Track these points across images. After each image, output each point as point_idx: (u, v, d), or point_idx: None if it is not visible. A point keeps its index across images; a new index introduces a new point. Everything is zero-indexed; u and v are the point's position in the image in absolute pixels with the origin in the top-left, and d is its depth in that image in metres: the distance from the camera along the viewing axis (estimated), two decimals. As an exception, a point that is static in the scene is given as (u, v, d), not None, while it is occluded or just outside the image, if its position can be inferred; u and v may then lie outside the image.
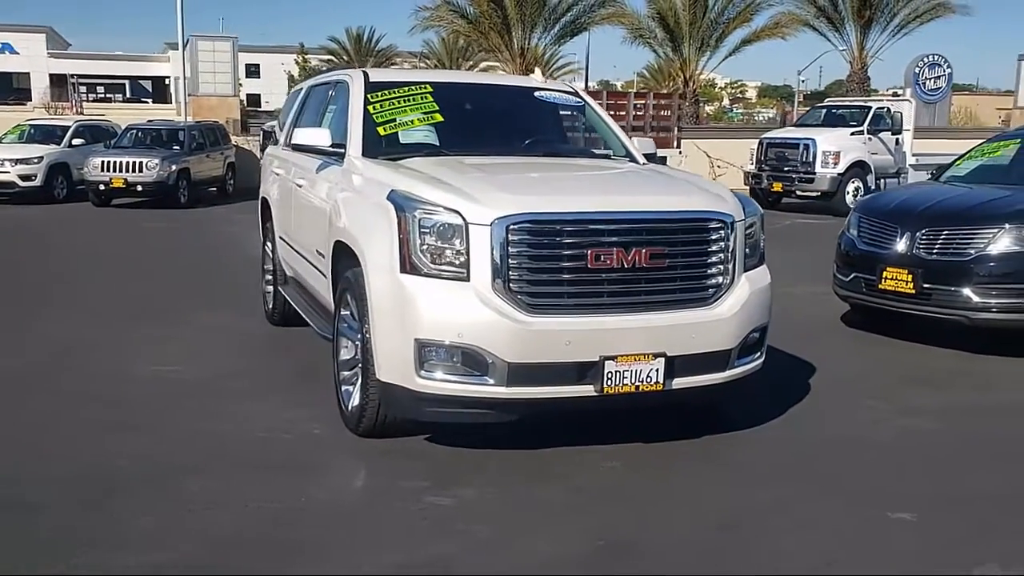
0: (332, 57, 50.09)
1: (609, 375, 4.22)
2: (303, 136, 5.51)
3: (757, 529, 3.82)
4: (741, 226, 4.59)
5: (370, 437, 4.68)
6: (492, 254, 4.16)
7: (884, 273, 7.03)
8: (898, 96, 28.20)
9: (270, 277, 7.60)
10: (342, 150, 5.39)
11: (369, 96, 5.59)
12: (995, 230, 6.66)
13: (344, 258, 5.00)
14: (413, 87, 5.71)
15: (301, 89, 7.49)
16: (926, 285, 6.79)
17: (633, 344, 4.26)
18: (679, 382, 4.38)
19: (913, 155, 19.98)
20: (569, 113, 6.54)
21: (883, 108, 20.24)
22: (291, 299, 6.58)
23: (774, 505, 4.06)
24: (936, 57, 30.03)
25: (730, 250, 4.52)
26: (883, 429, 5.13)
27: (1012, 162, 7.96)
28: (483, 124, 5.88)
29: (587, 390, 4.25)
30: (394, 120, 5.49)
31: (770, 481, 4.34)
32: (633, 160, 5.84)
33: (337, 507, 3.95)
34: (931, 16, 29.41)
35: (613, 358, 4.22)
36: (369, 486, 4.21)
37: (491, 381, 4.19)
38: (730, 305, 4.51)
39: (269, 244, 7.51)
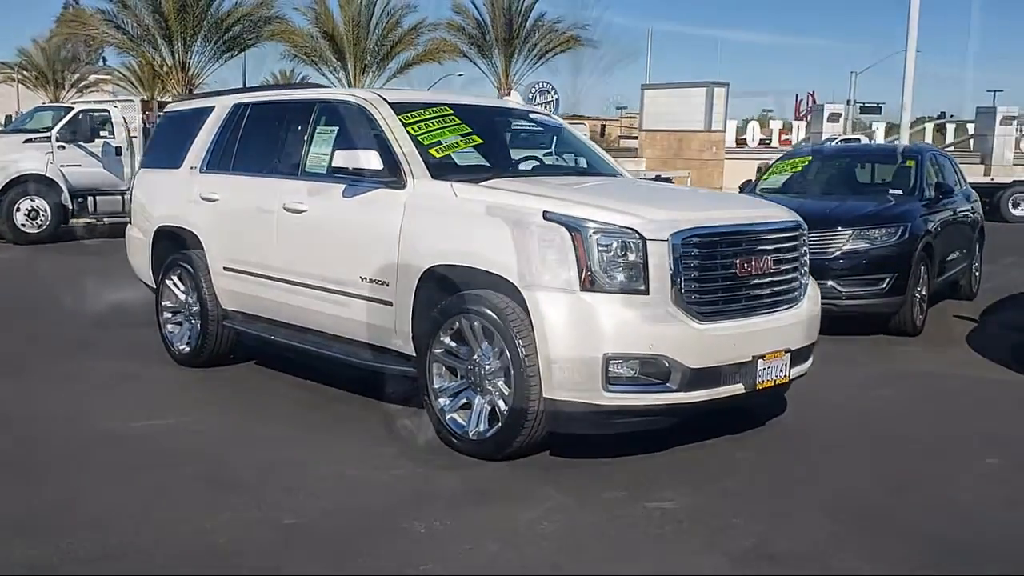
0: None
1: (760, 372, 4.70)
2: (344, 159, 5.22)
3: (920, 486, 4.53)
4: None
5: (504, 459, 4.67)
6: (668, 267, 4.43)
7: (761, 273, 8.16)
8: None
9: (171, 315, 6.86)
10: (395, 175, 5.20)
11: (402, 118, 5.45)
12: (847, 232, 8.09)
13: (436, 283, 4.89)
14: (436, 109, 5.66)
15: (208, 107, 6.84)
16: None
17: (773, 342, 4.79)
18: (792, 374, 4.97)
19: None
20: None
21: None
22: (270, 335, 6.05)
23: (895, 466, 4.82)
24: (546, 84, 33.50)
25: (805, 255, 5.21)
26: (860, 400, 6.14)
27: (817, 174, 9.65)
28: (508, 146, 5.97)
29: (738, 388, 4.68)
30: (440, 142, 5.41)
31: (859, 449, 5.10)
32: (622, 175, 6.32)
33: (588, 526, 3.98)
34: (565, 47, 32.86)
35: (762, 356, 4.70)
36: (581, 503, 4.21)
37: (672, 387, 4.46)
38: (810, 303, 5.20)
39: (175, 279, 6.76)
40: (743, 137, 32.82)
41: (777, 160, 10.24)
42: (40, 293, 9.97)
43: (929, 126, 32.34)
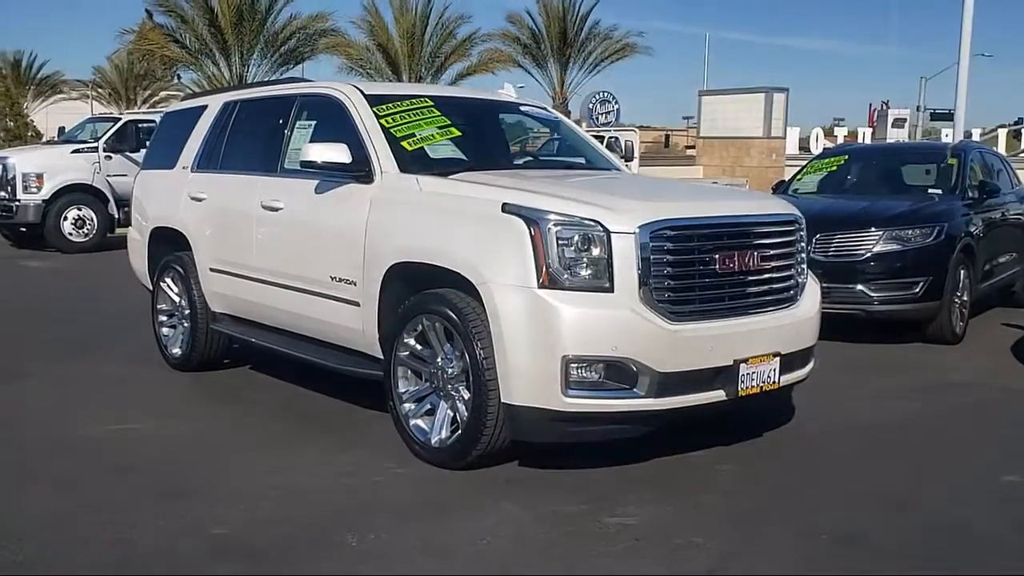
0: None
1: (743, 378, 4.30)
2: (316, 152, 4.97)
3: (917, 507, 4.08)
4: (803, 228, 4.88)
5: (465, 469, 4.37)
6: (636, 262, 4.08)
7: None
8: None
9: (165, 318, 6.72)
10: (364, 168, 4.96)
11: (376, 110, 5.21)
12: (879, 233, 7.57)
13: (402, 281, 4.63)
14: (415, 100, 5.41)
15: (202, 106, 6.72)
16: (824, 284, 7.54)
17: (758, 345, 4.39)
18: (783, 379, 4.55)
19: (640, 180, 21.94)
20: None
21: (613, 138, 22.03)
22: (252, 338, 5.86)
23: (896, 483, 4.36)
24: (606, 94, 33.01)
25: (802, 251, 4.80)
26: (876, 412, 5.65)
27: (849, 175, 9.13)
28: (490, 138, 5.70)
29: (719, 395, 4.29)
30: (414, 135, 5.16)
31: (860, 464, 4.65)
32: (619, 170, 5.99)
33: (534, 542, 3.65)
34: (620, 56, 32.44)
35: (745, 360, 4.31)
36: (535, 517, 3.88)
37: (640, 393, 4.10)
38: (810, 303, 4.78)
39: (169, 281, 6.62)
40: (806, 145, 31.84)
41: (811, 160, 9.74)
42: (68, 298, 10.03)
43: (1002, 132, 30.93)
